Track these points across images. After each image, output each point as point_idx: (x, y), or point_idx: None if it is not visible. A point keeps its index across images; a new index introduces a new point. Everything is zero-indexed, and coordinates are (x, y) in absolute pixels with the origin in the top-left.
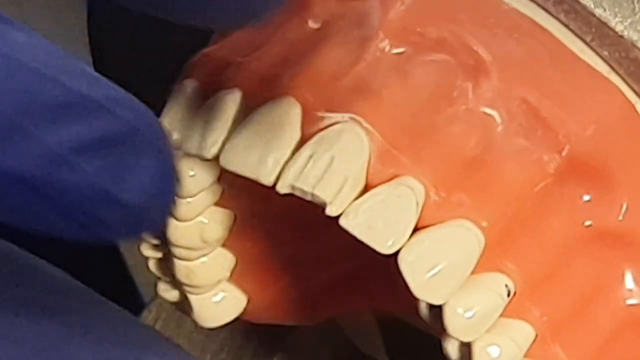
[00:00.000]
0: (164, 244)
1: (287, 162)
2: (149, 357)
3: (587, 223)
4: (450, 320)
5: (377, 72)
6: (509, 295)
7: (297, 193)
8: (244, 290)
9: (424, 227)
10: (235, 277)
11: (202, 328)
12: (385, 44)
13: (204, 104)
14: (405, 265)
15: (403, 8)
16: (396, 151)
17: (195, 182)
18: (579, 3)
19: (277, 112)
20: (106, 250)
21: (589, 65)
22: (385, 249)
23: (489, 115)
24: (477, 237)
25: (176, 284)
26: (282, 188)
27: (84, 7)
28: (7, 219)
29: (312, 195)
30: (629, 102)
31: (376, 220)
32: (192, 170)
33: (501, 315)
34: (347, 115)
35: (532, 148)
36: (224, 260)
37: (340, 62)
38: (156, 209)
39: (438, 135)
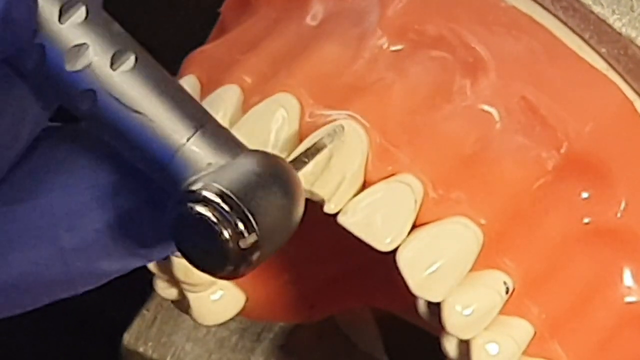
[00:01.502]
0: None
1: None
2: None
3: (586, 220)
4: (449, 318)
5: (375, 70)
6: (507, 292)
7: None
8: (243, 289)
9: (422, 225)
10: None
11: (200, 326)
12: (383, 41)
13: (203, 101)
14: (404, 262)
15: (401, 5)
16: (394, 148)
17: None
18: (578, 0)
19: (276, 109)
20: None
21: (587, 63)
22: (384, 246)
23: (488, 112)
24: (476, 235)
25: (175, 282)
26: None
27: None
28: None
29: (311, 192)
30: (628, 99)
31: (374, 218)
32: None
33: (500, 313)
34: (345, 113)
35: (531, 145)
36: None
37: (339, 60)
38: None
39: (436, 133)
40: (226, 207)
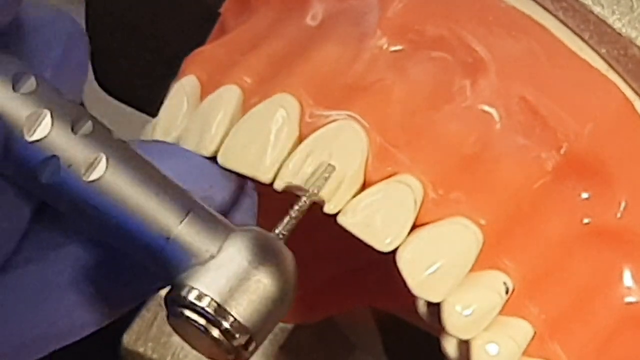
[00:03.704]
0: None
1: (285, 160)
2: None
3: (586, 221)
4: (449, 318)
5: (375, 70)
6: (507, 293)
7: (295, 191)
8: None
9: (422, 225)
10: None
11: None
12: (383, 42)
13: (202, 102)
14: (404, 263)
15: (401, 6)
16: (394, 149)
17: None
18: (577, 0)
19: (276, 109)
20: None
21: (587, 63)
22: (384, 246)
23: (488, 112)
24: (475, 235)
25: None
26: (280, 186)
27: (81, 6)
28: None
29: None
30: (627, 99)
31: (374, 218)
32: None
33: (499, 313)
34: (345, 113)
35: (531, 146)
36: None
37: (338, 60)
38: None
39: (436, 133)
40: (211, 311)
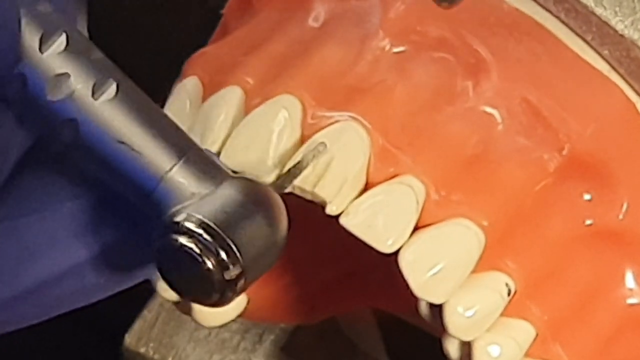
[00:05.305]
0: None
1: (287, 161)
2: None
3: (588, 222)
4: (451, 319)
5: (377, 71)
6: (509, 294)
7: (297, 192)
8: None
9: (424, 226)
10: None
11: (202, 327)
12: (385, 43)
13: (204, 102)
14: (406, 264)
15: (403, 7)
16: (396, 150)
17: None
18: (580, 2)
19: (278, 110)
20: None
21: (589, 64)
22: (386, 247)
23: (490, 114)
24: (478, 236)
25: None
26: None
27: (83, 7)
28: None
29: (312, 194)
30: (630, 101)
31: (376, 219)
32: None
33: (501, 315)
34: (347, 114)
35: (533, 147)
36: None
37: (341, 61)
38: None
39: (438, 134)
40: (209, 238)
